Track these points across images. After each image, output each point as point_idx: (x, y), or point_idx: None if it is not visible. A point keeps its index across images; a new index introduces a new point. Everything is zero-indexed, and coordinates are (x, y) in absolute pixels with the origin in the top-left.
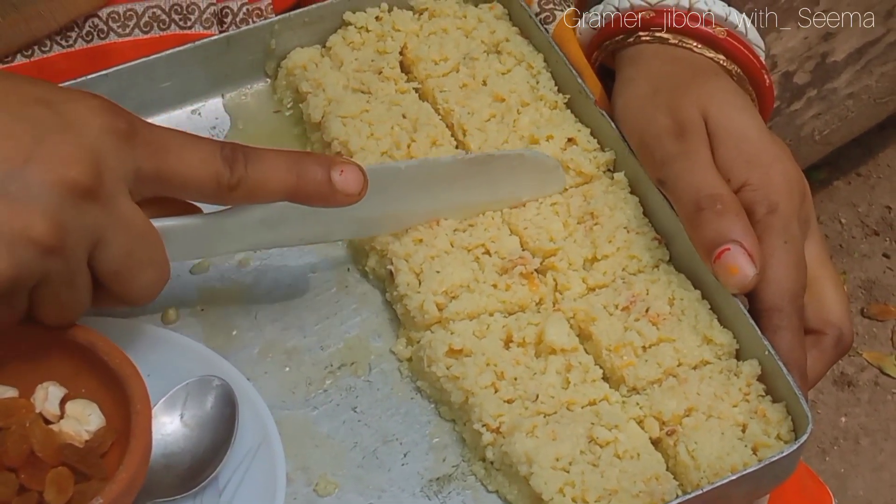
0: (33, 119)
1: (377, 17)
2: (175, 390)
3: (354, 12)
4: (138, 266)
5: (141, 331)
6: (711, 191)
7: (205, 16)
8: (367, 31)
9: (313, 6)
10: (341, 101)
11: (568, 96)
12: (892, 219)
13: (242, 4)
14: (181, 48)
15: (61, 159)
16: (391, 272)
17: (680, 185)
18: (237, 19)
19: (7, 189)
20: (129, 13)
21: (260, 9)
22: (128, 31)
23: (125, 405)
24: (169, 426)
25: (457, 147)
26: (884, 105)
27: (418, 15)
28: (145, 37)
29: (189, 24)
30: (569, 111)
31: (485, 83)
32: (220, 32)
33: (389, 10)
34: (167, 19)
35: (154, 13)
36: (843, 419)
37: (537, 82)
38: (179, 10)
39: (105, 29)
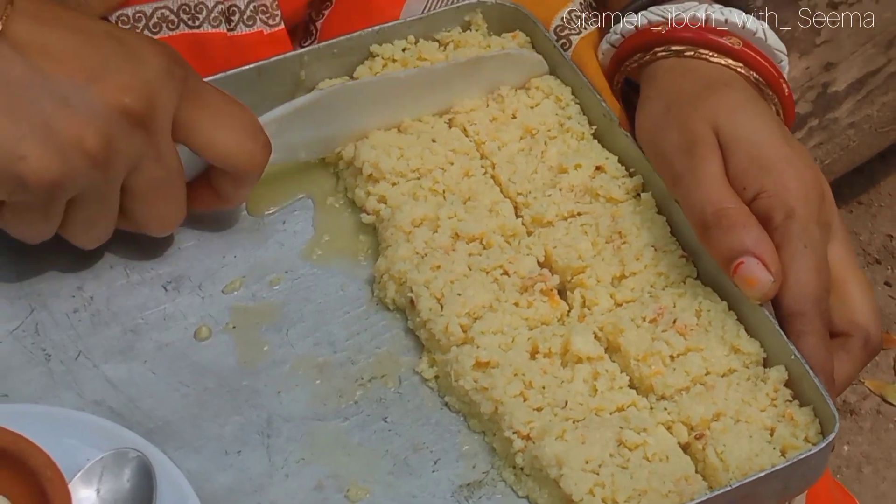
0: (103, 47)
1: (404, 49)
2: (90, 465)
3: (381, 44)
4: (162, 197)
5: (37, 414)
6: (716, 206)
7: (213, 14)
8: (394, 61)
9: (342, 37)
10: None
11: (594, 128)
12: (894, 247)
13: (249, 2)
14: (213, 77)
15: (122, 86)
16: (412, 300)
17: (689, 203)
18: (244, 17)
19: (69, 101)
20: (138, 15)
21: (265, 5)
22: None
23: (33, 480)
24: (85, 502)
25: (492, 177)
26: (885, 134)
27: (444, 47)
28: (155, 38)
29: (197, 23)
30: (595, 141)
31: (514, 116)
32: (228, 31)
33: (416, 42)
34: (176, 19)
35: (163, 14)
36: (846, 447)
37: (566, 113)
38: (188, 9)
39: None
